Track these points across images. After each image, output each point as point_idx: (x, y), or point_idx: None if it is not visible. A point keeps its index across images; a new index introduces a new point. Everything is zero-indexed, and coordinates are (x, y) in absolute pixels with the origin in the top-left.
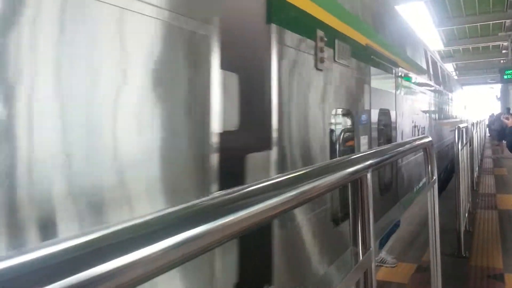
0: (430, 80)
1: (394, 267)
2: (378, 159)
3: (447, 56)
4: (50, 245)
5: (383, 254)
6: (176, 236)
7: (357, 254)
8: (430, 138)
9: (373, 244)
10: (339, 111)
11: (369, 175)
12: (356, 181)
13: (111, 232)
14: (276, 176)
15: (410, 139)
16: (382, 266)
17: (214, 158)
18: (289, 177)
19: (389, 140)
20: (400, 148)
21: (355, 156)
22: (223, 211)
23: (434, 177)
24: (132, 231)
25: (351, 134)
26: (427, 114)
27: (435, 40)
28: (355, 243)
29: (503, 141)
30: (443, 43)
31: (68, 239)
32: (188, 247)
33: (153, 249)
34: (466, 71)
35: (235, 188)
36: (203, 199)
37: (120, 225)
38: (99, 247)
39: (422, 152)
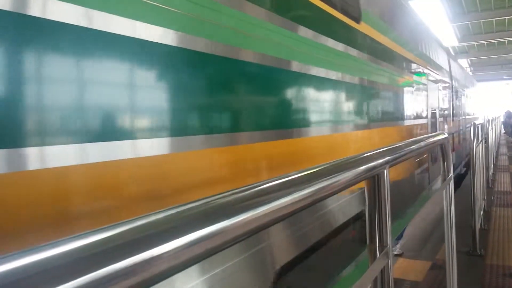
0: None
1: (400, 254)
2: (395, 155)
3: (461, 52)
4: (67, 243)
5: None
6: (192, 233)
7: (374, 251)
8: (446, 135)
9: (390, 241)
10: None
11: (386, 172)
12: (373, 178)
13: (126, 229)
14: (292, 173)
15: (426, 135)
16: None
17: None
18: (305, 174)
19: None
20: (416, 145)
21: (372, 153)
22: (237, 209)
23: (450, 174)
24: (147, 228)
25: None
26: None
27: (450, 35)
28: (372, 241)
29: None
30: (458, 38)
31: (85, 236)
32: (204, 245)
33: (164, 248)
34: (481, 67)
35: (249, 186)
36: (217, 196)
37: (132, 223)
38: (114, 244)
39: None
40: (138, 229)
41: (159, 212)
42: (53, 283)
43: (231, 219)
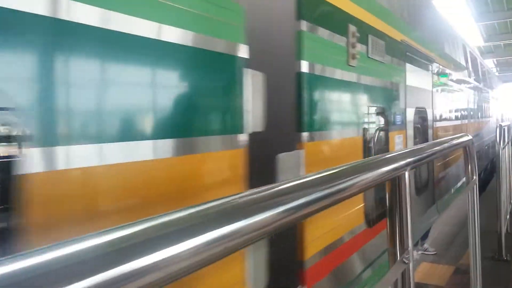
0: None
1: (434, 254)
2: (417, 157)
3: (487, 52)
4: (85, 240)
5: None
6: (210, 232)
7: (394, 254)
8: (470, 137)
9: (411, 244)
10: None
11: (407, 174)
12: (394, 179)
13: (140, 229)
14: (313, 173)
15: (450, 137)
16: (423, 253)
17: None
18: (326, 174)
19: None
20: (439, 147)
21: (392, 154)
22: (260, 208)
23: (475, 177)
24: (165, 226)
25: None
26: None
27: (475, 35)
28: (393, 243)
29: None
30: (483, 38)
31: (105, 233)
32: (221, 244)
33: (174, 250)
34: (507, 67)
35: (272, 185)
36: (237, 195)
37: (152, 221)
38: (132, 242)
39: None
40: (156, 227)
41: (177, 211)
42: (80, 277)
43: (247, 220)
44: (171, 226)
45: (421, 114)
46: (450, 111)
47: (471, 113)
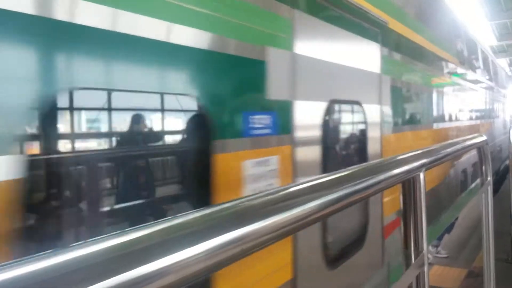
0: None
1: (446, 257)
2: (432, 158)
3: (500, 51)
4: (99, 242)
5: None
6: (217, 237)
7: (409, 256)
8: (484, 137)
9: (425, 246)
10: None
11: (421, 175)
12: (409, 181)
13: (149, 233)
14: (326, 174)
15: (464, 138)
16: (436, 256)
17: None
18: (338, 176)
19: None
20: (453, 148)
21: (407, 155)
22: (266, 212)
23: (489, 178)
24: (171, 231)
25: None
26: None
27: (488, 34)
28: (407, 245)
29: None
30: (496, 37)
31: (117, 236)
32: (229, 250)
33: (190, 252)
34: None
35: (280, 188)
36: (246, 198)
37: (158, 225)
38: (145, 245)
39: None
40: (169, 229)
41: (190, 213)
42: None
43: (261, 221)
44: (184, 229)
45: (348, 113)
46: (428, 111)
47: (465, 113)
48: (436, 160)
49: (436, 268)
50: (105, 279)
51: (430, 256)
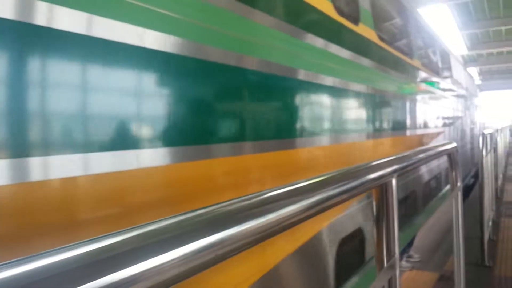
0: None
1: (418, 261)
2: (403, 165)
3: (471, 61)
4: (71, 249)
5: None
6: (192, 243)
7: (381, 261)
8: (455, 144)
9: (397, 250)
10: None
11: (394, 181)
12: (381, 186)
13: (130, 236)
14: (299, 181)
15: (434, 144)
16: (408, 260)
17: None
18: (312, 182)
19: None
20: (424, 154)
21: (379, 162)
22: (241, 218)
23: (459, 184)
24: (145, 237)
25: None
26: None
27: (459, 43)
28: (380, 250)
29: None
30: (467, 47)
31: (90, 243)
32: (208, 253)
33: (164, 258)
34: (490, 76)
35: (255, 194)
36: (219, 205)
37: (132, 231)
38: (118, 252)
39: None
40: (143, 236)
41: (165, 219)
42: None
43: (236, 227)
44: (159, 235)
45: None
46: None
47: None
48: (407, 166)
49: (408, 272)
50: (76, 287)
51: (404, 261)
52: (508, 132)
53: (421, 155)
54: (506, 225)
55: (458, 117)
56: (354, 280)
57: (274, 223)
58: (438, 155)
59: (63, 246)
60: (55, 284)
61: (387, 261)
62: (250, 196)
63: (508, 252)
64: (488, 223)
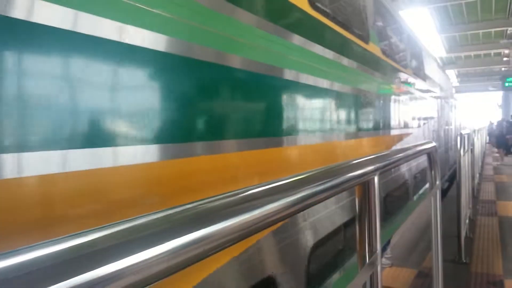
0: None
1: (390, 266)
2: (385, 163)
3: (449, 63)
4: (48, 246)
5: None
6: (171, 241)
7: (363, 257)
8: (434, 144)
9: (379, 247)
10: None
11: (376, 178)
12: (364, 184)
13: (111, 233)
14: (282, 178)
15: (415, 144)
16: (386, 257)
17: None
18: (295, 180)
19: None
20: (404, 153)
21: (362, 160)
22: (222, 215)
23: (438, 182)
24: (127, 233)
25: None
26: None
27: (438, 46)
28: (362, 246)
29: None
30: (445, 49)
31: (69, 239)
32: (185, 253)
33: (146, 255)
34: (467, 78)
35: (237, 191)
36: (206, 200)
37: (114, 227)
38: (98, 248)
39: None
40: (125, 231)
41: (143, 216)
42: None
43: (217, 224)
44: (142, 231)
45: None
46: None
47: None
48: (389, 164)
49: (387, 269)
50: (58, 282)
51: (383, 259)
52: (484, 133)
53: (402, 154)
54: (483, 223)
55: (429, 118)
56: (334, 277)
57: (258, 219)
58: (418, 154)
59: (43, 242)
60: (36, 281)
61: (369, 257)
62: (233, 192)
63: (484, 249)
64: (465, 221)
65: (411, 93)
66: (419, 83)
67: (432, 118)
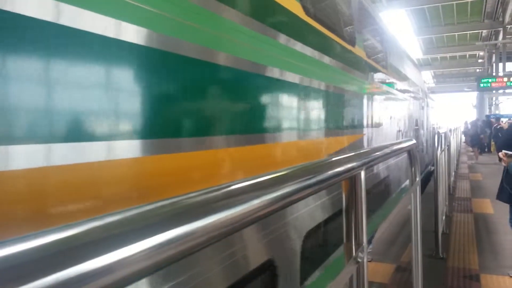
0: None
1: (369, 261)
2: (371, 158)
3: (425, 64)
4: (26, 241)
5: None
6: (156, 236)
7: (350, 250)
8: (414, 141)
9: (365, 239)
10: None
11: (362, 173)
12: (351, 179)
13: (80, 231)
14: (268, 173)
15: (397, 141)
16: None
17: None
18: (282, 174)
19: None
20: (388, 149)
21: (349, 155)
22: (206, 210)
23: (418, 179)
24: (105, 229)
25: None
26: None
27: (415, 48)
28: (349, 239)
29: (477, 147)
30: (422, 51)
31: (48, 233)
32: (167, 249)
33: (125, 252)
34: (443, 79)
35: (220, 186)
36: (186, 195)
37: (91, 222)
38: (77, 244)
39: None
40: (103, 228)
41: (122, 211)
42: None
43: (198, 221)
44: (122, 227)
45: None
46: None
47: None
48: (374, 159)
49: (368, 264)
50: (37, 279)
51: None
52: (460, 132)
53: (386, 150)
54: (458, 219)
55: (392, 118)
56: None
57: (241, 216)
58: (400, 150)
59: (16, 237)
60: (6, 278)
61: (356, 250)
62: (216, 187)
63: (460, 244)
64: (442, 217)
65: (390, 93)
66: (398, 83)
67: (410, 117)
